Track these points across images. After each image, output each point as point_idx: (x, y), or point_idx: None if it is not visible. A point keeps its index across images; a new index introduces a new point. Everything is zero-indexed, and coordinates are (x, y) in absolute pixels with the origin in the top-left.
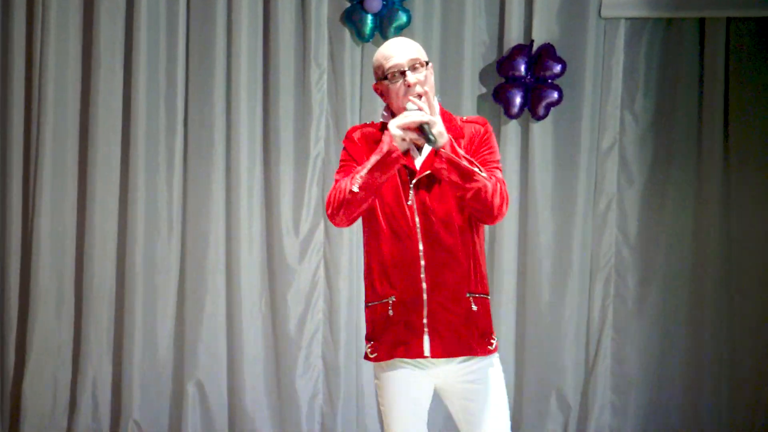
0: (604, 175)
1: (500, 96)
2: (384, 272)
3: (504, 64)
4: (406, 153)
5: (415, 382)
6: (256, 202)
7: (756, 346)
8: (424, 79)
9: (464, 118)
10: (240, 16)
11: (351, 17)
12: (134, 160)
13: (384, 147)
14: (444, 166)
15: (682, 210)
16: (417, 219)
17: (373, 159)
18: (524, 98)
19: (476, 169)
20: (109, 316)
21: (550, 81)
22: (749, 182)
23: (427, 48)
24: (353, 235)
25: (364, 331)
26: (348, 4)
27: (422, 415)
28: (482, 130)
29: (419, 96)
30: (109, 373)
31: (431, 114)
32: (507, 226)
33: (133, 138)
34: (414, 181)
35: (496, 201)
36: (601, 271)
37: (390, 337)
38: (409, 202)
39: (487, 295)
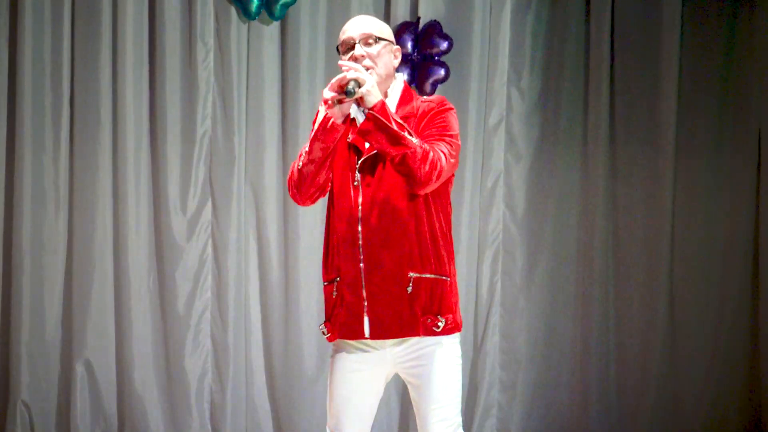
0: (491, 152)
1: None
2: (332, 253)
3: None
4: (345, 120)
5: (364, 368)
6: (143, 181)
7: (642, 322)
8: (376, 54)
9: (423, 98)
10: None
11: None
12: (20, 138)
13: (319, 117)
14: (370, 126)
15: (569, 186)
16: (360, 200)
17: (312, 131)
18: (411, 75)
19: (405, 134)
20: None
21: (436, 58)
22: (634, 158)
23: (313, 26)
24: (241, 213)
25: (252, 310)
26: None
27: (365, 401)
28: (435, 106)
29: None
30: None
31: (365, 77)
32: None
33: (18, 117)
34: (360, 162)
35: (424, 168)
36: (488, 248)
37: (338, 318)
38: (355, 183)
39: (443, 275)
